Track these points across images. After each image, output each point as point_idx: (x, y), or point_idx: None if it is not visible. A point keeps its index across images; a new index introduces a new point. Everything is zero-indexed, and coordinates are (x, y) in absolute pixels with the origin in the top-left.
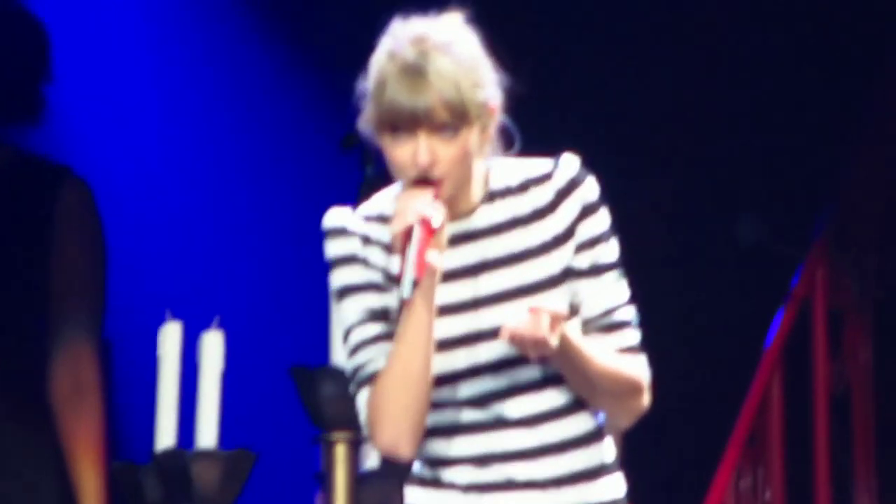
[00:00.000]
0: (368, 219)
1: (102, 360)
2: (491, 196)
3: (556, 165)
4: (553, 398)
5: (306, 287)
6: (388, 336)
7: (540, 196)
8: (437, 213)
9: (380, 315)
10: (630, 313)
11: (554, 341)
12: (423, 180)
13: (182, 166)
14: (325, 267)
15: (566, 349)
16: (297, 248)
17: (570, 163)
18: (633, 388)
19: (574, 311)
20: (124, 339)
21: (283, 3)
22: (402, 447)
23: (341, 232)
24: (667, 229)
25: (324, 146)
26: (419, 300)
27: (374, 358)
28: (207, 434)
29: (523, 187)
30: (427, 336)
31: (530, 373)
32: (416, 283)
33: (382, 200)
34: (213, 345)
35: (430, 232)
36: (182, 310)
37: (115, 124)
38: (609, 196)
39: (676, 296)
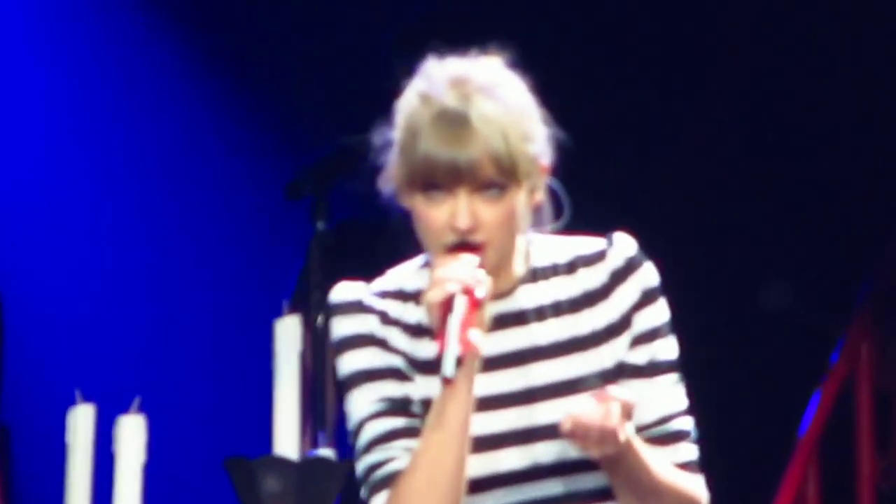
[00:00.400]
0: (386, 294)
1: None
2: (533, 275)
3: (610, 244)
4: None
5: (245, 365)
6: (409, 432)
7: (591, 278)
8: (481, 283)
9: (400, 406)
10: (689, 424)
11: (622, 436)
12: (461, 247)
13: (94, 217)
14: (267, 341)
15: (627, 452)
16: (235, 319)
17: (626, 243)
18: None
19: None
20: (26, 424)
21: (224, 43)
22: None
23: (356, 307)
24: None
25: (268, 198)
26: (458, 385)
27: (394, 456)
28: None
29: (571, 267)
30: (464, 428)
31: (595, 480)
32: (460, 361)
33: (401, 275)
34: (132, 431)
35: (475, 304)
36: (95, 390)
37: (16, 179)
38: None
39: (699, 375)
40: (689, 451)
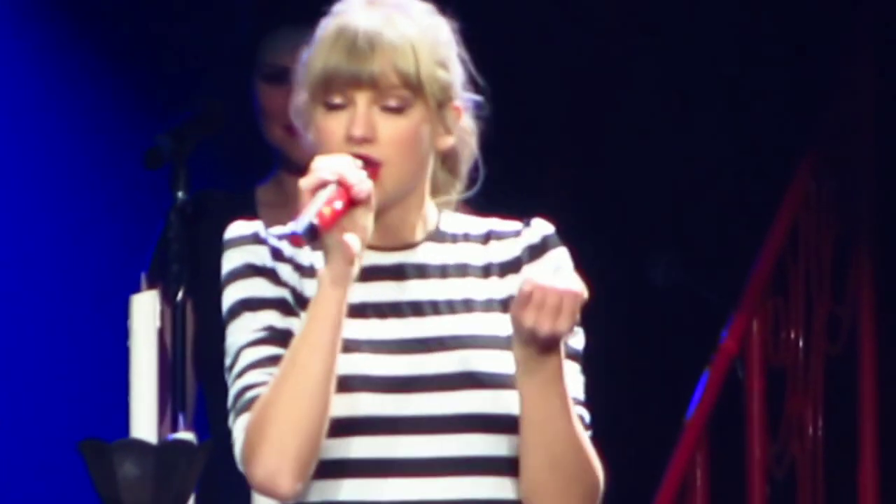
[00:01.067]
0: (283, 237)
1: None
2: (441, 236)
3: (526, 225)
4: (481, 446)
5: (100, 343)
6: None
7: (503, 251)
8: (362, 183)
9: (281, 337)
10: (587, 416)
11: (573, 320)
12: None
13: None
14: (123, 317)
15: (555, 355)
16: (91, 294)
17: (544, 224)
18: (589, 480)
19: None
20: None
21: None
22: (283, 479)
23: (248, 239)
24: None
25: (126, 167)
26: (328, 290)
27: (265, 382)
28: None
29: (484, 238)
30: (333, 337)
31: (481, 445)
32: (315, 233)
33: None
34: None
35: (350, 200)
36: None
37: None
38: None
39: (586, 354)
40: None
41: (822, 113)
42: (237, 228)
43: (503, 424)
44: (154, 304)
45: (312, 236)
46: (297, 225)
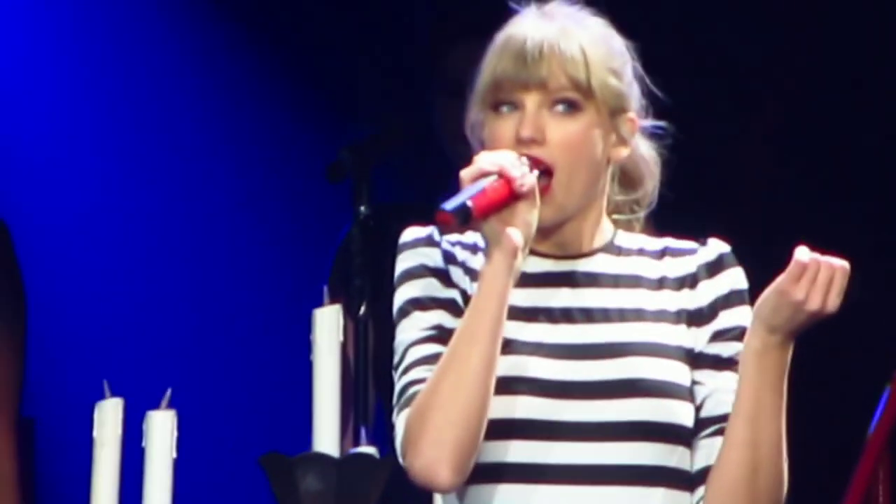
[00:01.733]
0: (457, 243)
1: (22, 444)
2: (617, 250)
3: (703, 244)
4: (645, 455)
5: (283, 356)
6: None
7: (679, 267)
8: (525, 178)
9: (449, 336)
10: None
11: (840, 298)
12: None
13: (126, 207)
14: (306, 333)
15: (788, 345)
16: (273, 308)
17: (720, 244)
18: (779, 494)
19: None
20: (52, 417)
21: (262, 18)
22: (441, 469)
23: (423, 241)
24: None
25: (308, 182)
26: (489, 282)
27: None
28: None
29: (659, 254)
30: (493, 329)
31: (650, 454)
32: (468, 215)
33: (477, 236)
34: (162, 426)
35: (510, 192)
36: (124, 383)
37: (49, 165)
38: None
39: None
40: None
41: None
42: (412, 232)
43: (669, 433)
44: (337, 317)
45: (464, 218)
46: (450, 203)
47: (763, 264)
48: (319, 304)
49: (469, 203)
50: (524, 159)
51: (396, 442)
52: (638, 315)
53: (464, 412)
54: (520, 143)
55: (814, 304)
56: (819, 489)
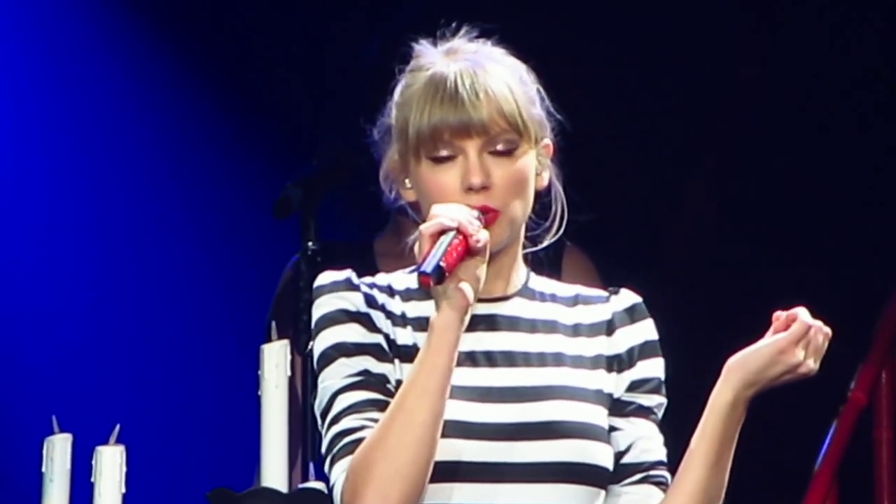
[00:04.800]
0: (374, 286)
1: None
2: (531, 294)
3: (615, 292)
4: (570, 496)
5: (231, 394)
6: (384, 407)
7: (592, 314)
8: (480, 233)
9: (377, 382)
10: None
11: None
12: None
13: (75, 240)
14: (253, 368)
15: (740, 415)
16: (220, 344)
17: (633, 294)
18: None
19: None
20: (1, 452)
21: (212, 56)
22: None
23: (342, 285)
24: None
25: (255, 215)
26: (440, 337)
27: (365, 426)
28: None
29: (573, 301)
30: (442, 384)
31: (569, 496)
32: (441, 276)
33: (390, 276)
34: (111, 461)
35: (467, 248)
36: (73, 419)
37: None
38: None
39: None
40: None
41: None
42: (329, 276)
43: (591, 476)
44: (285, 353)
45: (439, 278)
46: (427, 265)
47: (677, 312)
48: (267, 339)
49: (443, 264)
50: (474, 212)
51: (335, 492)
52: (557, 360)
53: (411, 467)
54: (469, 190)
55: (808, 367)
56: None
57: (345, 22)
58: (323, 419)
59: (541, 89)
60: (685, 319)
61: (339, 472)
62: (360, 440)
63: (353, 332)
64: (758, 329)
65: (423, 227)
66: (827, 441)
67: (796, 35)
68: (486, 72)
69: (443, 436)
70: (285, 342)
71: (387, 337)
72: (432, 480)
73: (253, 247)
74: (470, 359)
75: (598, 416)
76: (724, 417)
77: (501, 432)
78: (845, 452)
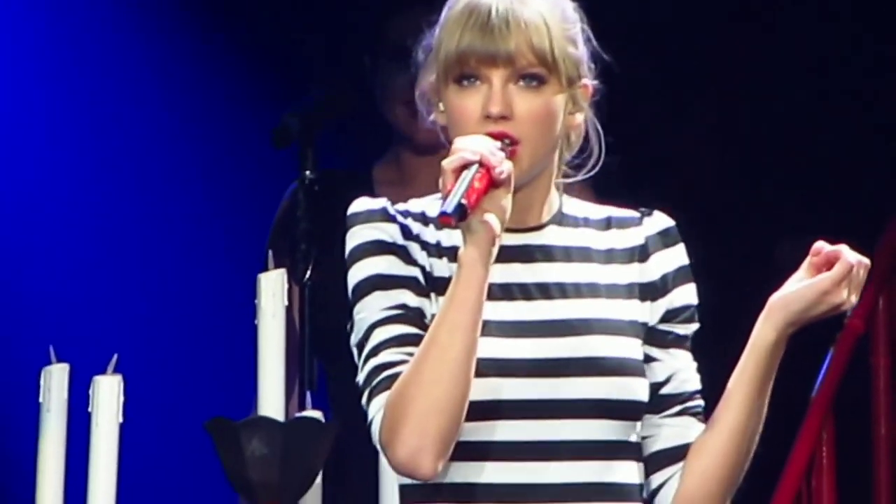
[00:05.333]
0: (408, 214)
1: None
2: (562, 219)
3: (647, 214)
4: (608, 432)
5: (228, 323)
6: (421, 341)
7: (625, 238)
8: (503, 164)
9: (414, 315)
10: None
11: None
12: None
13: (68, 174)
14: (250, 297)
15: (780, 353)
16: (218, 273)
17: (666, 218)
18: (742, 471)
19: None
20: None
21: None
22: (425, 458)
23: (378, 215)
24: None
25: (253, 145)
26: (469, 270)
27: (403, 360)
28: (102, 501)
29: (605, 224)
30: (473, 318)
31: (613, 431)
32: (464, 212)
33: (423, 203)
34: (108, 391)
35: (491, 181)
36: (70, 348)
37: None
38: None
39: (701, 336)
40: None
41: None
42: (364, 203)
43: (629, 411)
44: (282, 282)
45: (461, 216)
46: (447, 205)
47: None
48: (264, 268)
49: (464, 202)
50: (497, 143)
51: (373, 427)
52: (592, 290)
53: (447, 401)
54: (487, 118)
55: (850, 304)
56: (765, 451)
57: None
58: (360, 351)
59: (587, 29)
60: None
61: (377, 408)
62: (397, 375)
63: (389, 264)
64: (760, 256)
65: (444, 162)
66: (824, 368)
67: None
68: (525, 3)
69: (480, 374)
70: (282, 271)
71: (423, 269)
72: (472, 419)
73: (251, 175)
74: (505, 292)
75: (634, 349)
76: (766, 356)
77: (540, 368)
78: (842, 380)
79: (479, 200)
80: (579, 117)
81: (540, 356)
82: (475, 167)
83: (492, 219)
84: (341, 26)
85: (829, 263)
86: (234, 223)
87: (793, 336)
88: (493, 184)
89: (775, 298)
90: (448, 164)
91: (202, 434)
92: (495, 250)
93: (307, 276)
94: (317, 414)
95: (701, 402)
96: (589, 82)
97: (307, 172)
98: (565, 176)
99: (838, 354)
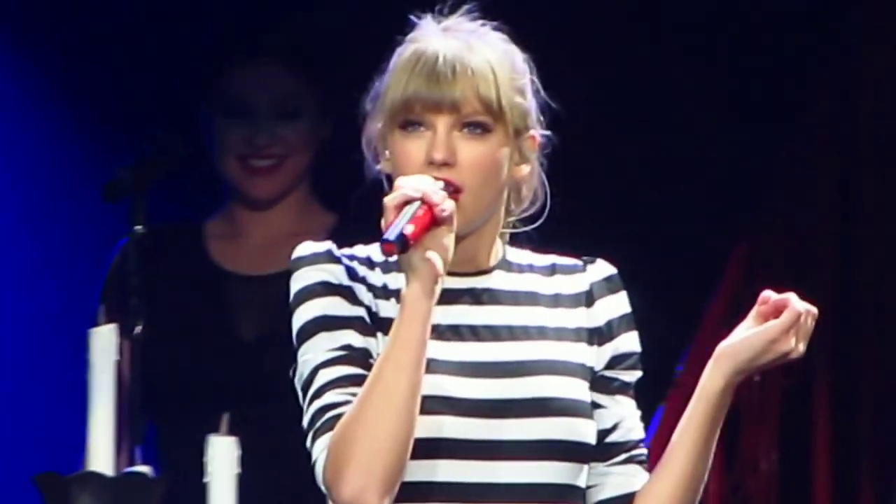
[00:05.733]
0: (353, 258)
1: None
2: (508, 265)
3: (590, 262)
4: (557, 474)
5: (59, 377)
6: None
7: (570, 284)
8: (445, 202)
9: (359, 356)
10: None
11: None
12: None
13: None
14: (81, 352)
15: (727, 401)
16: (50, 328)
17: (607, 265)
18: None
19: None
20: None
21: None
22: (371, 499)
23: (324, 257)
24: None
25: (84, 199)
26: (413, 308)
27: (347, 401)
28: None
29: (549, 270)
30: (418, 355)
31: (556, 474)
32: (405, 244)
33: (368, 248)
34: None
35: (433, 218)
36: None
37: None
38: None
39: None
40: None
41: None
42: (308, 247)
43: (577, 452)
44: (113, 337)
45: (403, 246)
46: (390, 233)
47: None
48: (95, 324)
49: (406, 232)
50: (439, 182)
51: (317, 467)
52: (541, 333)
53: (392, 440)
54: (431, 164)
55: (798, 352)
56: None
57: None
58: (304, 393)
59: (536, 80)
60: None
61: (320, 449)
62: (341, 415)
63: (334, 305)
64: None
65: (386, 199)
66: (654, 424)
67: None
68: (473, 51)
69: (426, 411)
70: (113, 326)
71: (369, 310)
72: (415, 457)
73: (84, 230)
74: (454, 332)
75: (582, 390)
76: (714, 403)
77: (486, 408)
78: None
79: (421, 234)
80: (525, 168)
81: (486, 396)
82: (416, 204)
83: (434, 256)
84: (177, 78)
85: (776, 311)
86: (66, 279)
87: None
88: (435, 221)
89: (723, 346)
90: (390, 200)
91: (32, 488)
92: (438, 289)
93: (138, 330)
94: (146, 468)
95: (645, 451)
96: (537, 133)
97: (138, 227)
98: (513, 226)
99: (669, 410)
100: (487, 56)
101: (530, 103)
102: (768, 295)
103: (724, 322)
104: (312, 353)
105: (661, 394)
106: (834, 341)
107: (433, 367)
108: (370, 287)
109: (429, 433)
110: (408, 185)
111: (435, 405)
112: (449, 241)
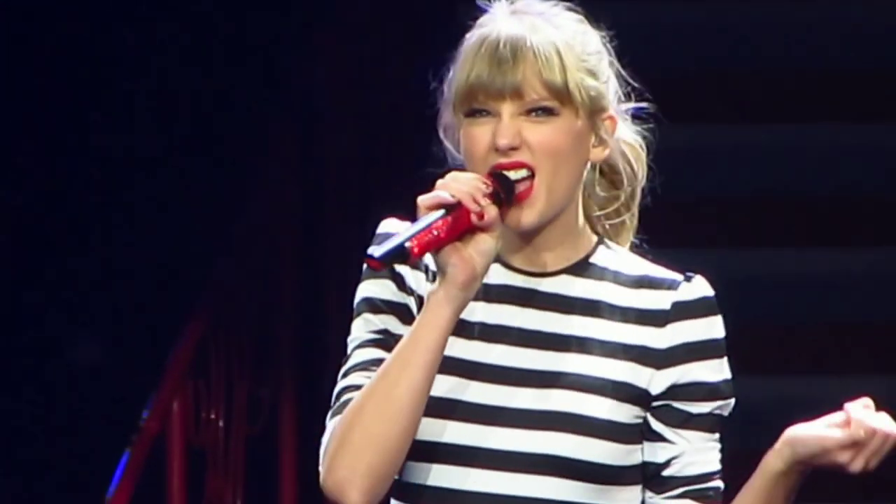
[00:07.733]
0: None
1: None
2: (584, 269)
3: (686, 279)
4: (554, 491)
5: None
6: None
7: (652, 300)
8: (483, 207)
9: (394, 343)
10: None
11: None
12: (504, 167)
13: None
14: None
15: (793, 484)
16: None
17: (704, 285)
18: None
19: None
20: None
21: None
22: (351, 491)
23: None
24: None
25: None
26: (432, 311)
27: (365, 384)
28: None
29: (636, 282)
30: (428, 359)
31: (573, 492)
32: (403, 256)
33: None
34: None
35: (466, 222)
36: None
37: None
38: None
39: None
40: None
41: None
42: (387, 225)
43: (587, 473)
44: None
45: (402, 259)
46: (378, 249)
47: None
48: None
49: (408, 245)
50: (486, 188)
51: (322, 446)
52: (580, 345)
53: (383, 439)
54: (497, 151)
55: (854, 469)
56: None
57: None
58: (342, 367)
59: (614, 61)
60: None
61: (327, 430)
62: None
63: (384, 289)
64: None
65: (420, 198)
66: (119, 471)
67: None
68: (537, 33)
69: (433, 413)
70: None
71: (420, 298)
72: (414, 459)
73: None
74: (484, 332)
75: (615, 410)
76: (770, 482)
77: (489, 414)
78: (139, 482)
79: (434, 245)
80: (604, 151)
81: (507, 405)
82: (438, 213)
83: (469, 262)
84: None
85: (848, 423)
86: None
87: (85, 439)
88: (470, 229)
89: (791, 433)
90: (423, 200)
91: None
92: (469, 294)
93: None
94: None
95: (713, 484)
96: (616, 114)
97: None
98: (605, 213)
99: (135, 456)
100: (552, 37)
101: (605, 84)
102: (851, 406)
103: (188, 372)
104: (355, 331)
105: (128, 440)
106: (298, 384)
107: (457, 368)
108: (428, 272)
109: (423, 436)
110: (448, 185)
111: (451, 409)
112: (490, 247)
